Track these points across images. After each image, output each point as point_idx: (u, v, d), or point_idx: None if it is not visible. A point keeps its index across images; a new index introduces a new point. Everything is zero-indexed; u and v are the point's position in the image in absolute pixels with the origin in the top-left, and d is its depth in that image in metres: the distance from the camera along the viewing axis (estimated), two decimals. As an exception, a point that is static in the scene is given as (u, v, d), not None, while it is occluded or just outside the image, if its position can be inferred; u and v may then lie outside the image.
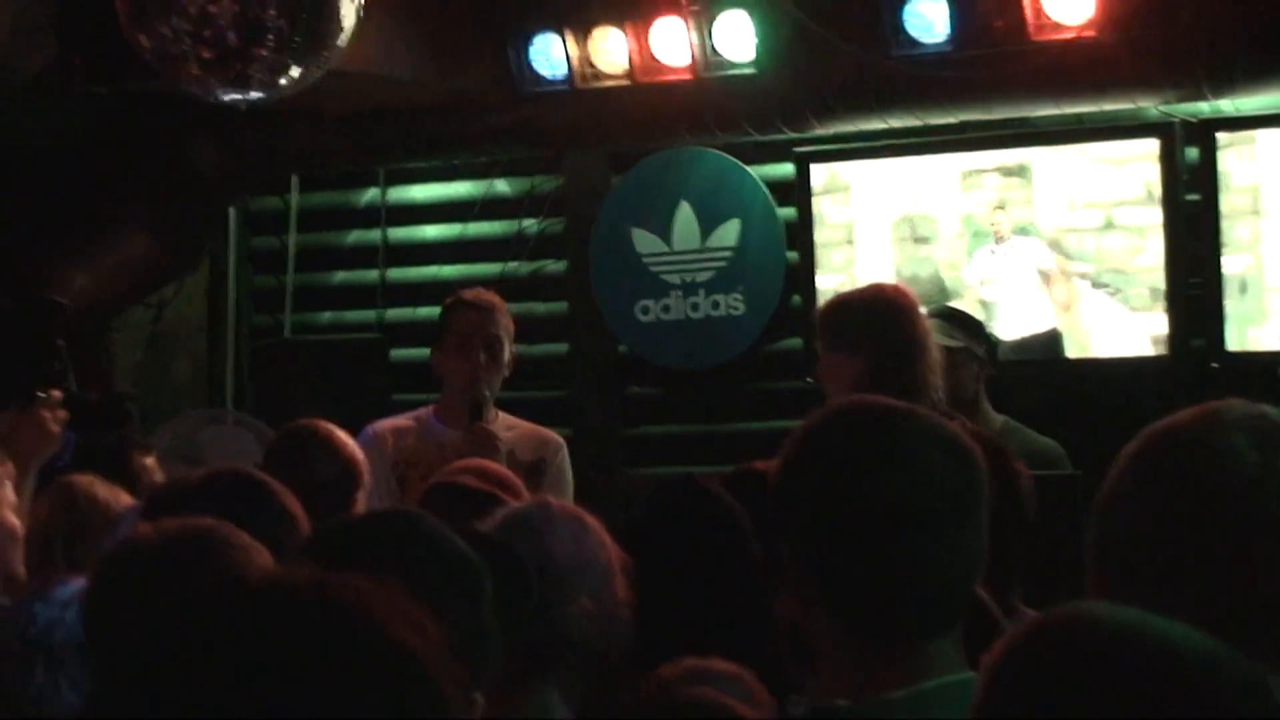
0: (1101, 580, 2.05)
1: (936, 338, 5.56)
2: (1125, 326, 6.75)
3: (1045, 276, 6.84)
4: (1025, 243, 6.88)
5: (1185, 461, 2.04)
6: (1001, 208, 6.91)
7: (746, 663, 2.93)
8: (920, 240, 7.09)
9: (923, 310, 4.94)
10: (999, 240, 6.92)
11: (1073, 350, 6.85)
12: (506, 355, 5.68)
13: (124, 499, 4.39)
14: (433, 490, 4.05)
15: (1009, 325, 6.84)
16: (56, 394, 5.31)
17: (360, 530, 2.31)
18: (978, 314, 6.36)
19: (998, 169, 6.97)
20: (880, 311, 4.79)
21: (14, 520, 4.41)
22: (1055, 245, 6.84)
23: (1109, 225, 6.80)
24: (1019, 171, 6.94)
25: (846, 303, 5.00)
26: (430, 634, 1.38)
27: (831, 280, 7.08)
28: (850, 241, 7.17)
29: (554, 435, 5.77)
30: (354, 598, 1.38)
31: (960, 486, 2.26)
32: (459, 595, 2.13)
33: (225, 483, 3.34)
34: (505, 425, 5.62)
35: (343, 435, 4.66)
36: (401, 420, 5.76)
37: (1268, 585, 1.95)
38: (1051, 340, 6.87)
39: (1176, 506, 2.02)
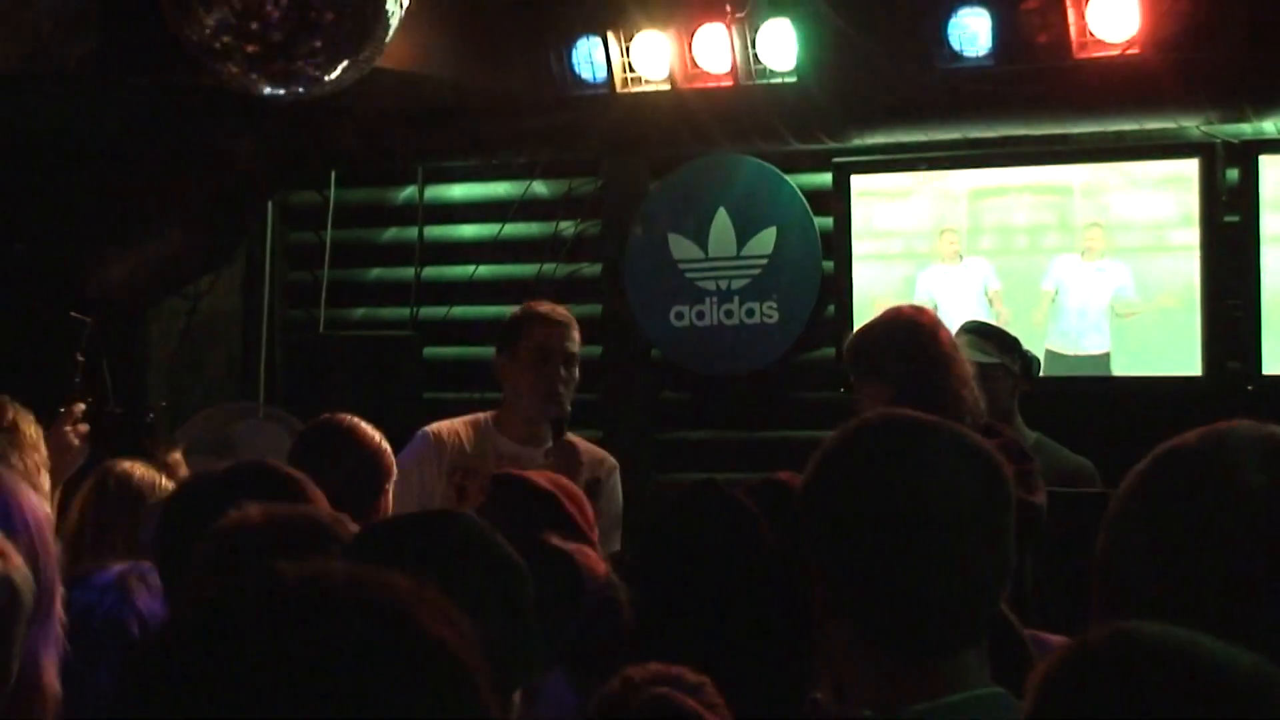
0: (1107, 598, 2.06)
1: (969, 353, 5.57)
2: (1163, 346, 6.75)
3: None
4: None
5: (1192, 481, 2.03)
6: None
7: (764, 665, 2.94)
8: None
9: (945, 326, 4.94)
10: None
11: (1119, 370, 6.84)
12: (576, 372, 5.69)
13: (164, 483, 4.43)
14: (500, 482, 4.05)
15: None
16: (79, 407, 5.34)
17: (403, 530, 2.32)
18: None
19: (1031, 187, 6.99)
20: (900, 335, 4.80)
21: (49, 509, 4.45)
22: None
23: (1148, 245, 6.80)
24: (1061, 189, 6.95)
25: (866, 332, 5.00)
26: (467, 632, 1.39)
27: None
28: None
29: (609, 456, 5.74)
30: (390, 594, 1.37)
31: (985, 499, 2.27)
32: (499, 597, 2.14)
33: (251, 475, 3.36)
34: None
35: (369, 429, 4.66)
36: (459, 425, 5.72)
37: (1270, 610, 1.95)
38: (1103, 361, 6.86)
39: (1182, 526, 2.01)
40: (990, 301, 6.93)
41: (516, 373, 5.66)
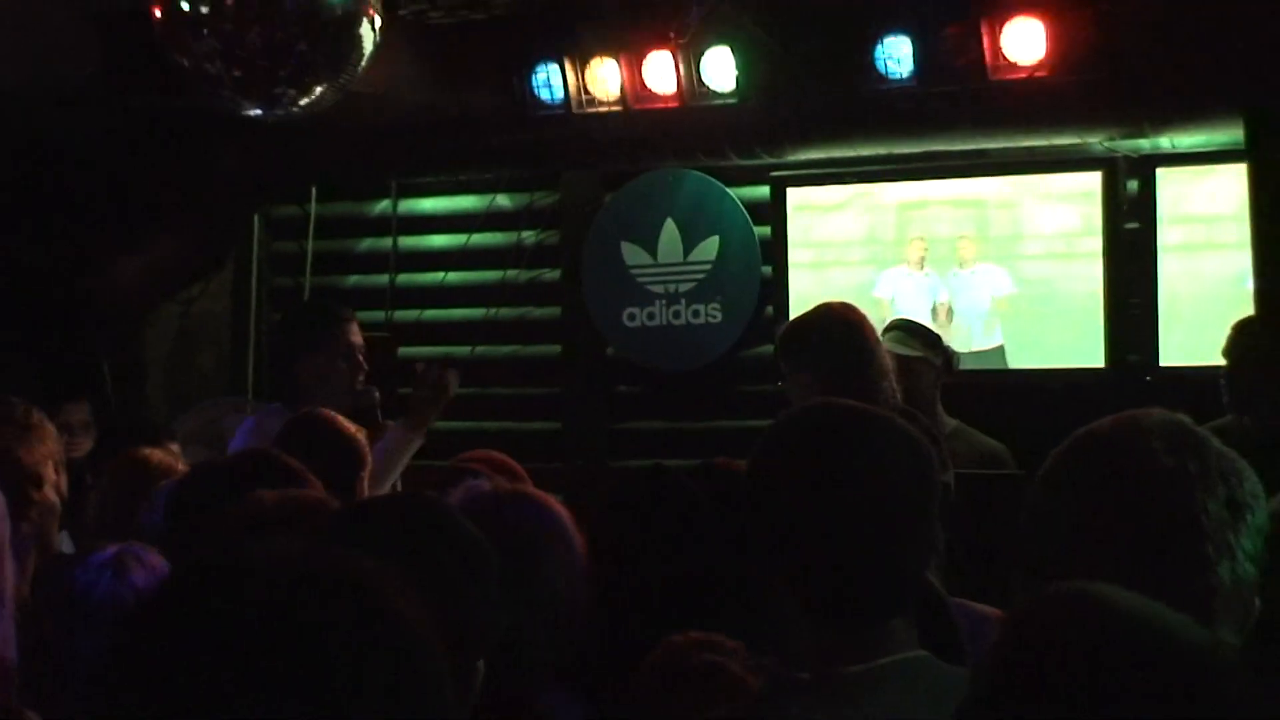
0: (1030, 566, 2.07)
1: (897, 348, 5.58)
2: (1070, 341, 6.77)
3: (1000, 301, 6.86)
4: (987, 269, 6.89)
5: (1107, 461, 2.06)
6: (966, 237, 6.92)
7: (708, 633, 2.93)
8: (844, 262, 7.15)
9: (869, 323, 4.92)
10: (963, 266, 6.93)
11: (1021, 363, 6.86)
12: None
13: (180, 468, 4.42)
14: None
15: (963, 339, 6.85)
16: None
17: (378, 512, 2.31)
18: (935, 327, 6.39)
19: (951, 201, 6.99)
20: (827, 329, 4.80)
21: (53, 498, 4.43)
22: (1009, 266, 6.88)
23: (1057, 251, 6.82)
24: (978, 203, 6.96)
25: (797, 325, 5.00)
26: (418, 603, 1.39)
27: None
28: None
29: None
30: (349, 568, 1.39)
31: (916, 481, 2.27)
32: (467, 573, 2.13)
33: (256, 463, 3.38)
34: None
35: (345, 422, 4.65)
36: (267, 419, 5.54)
37: (1179, 574, 1.96)
38: (998, 355, 6.89)
39: (1098, 501, 2.04)
40: (935, 310, 6.92)
41: (330, 367, 5.63)
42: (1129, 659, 1.52)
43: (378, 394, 5.68)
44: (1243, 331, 5.60)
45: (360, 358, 5.65)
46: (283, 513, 2.93)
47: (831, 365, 4.64)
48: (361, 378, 5.65)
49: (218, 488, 3.24)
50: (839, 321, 4.84)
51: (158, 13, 4.65)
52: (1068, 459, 2.10)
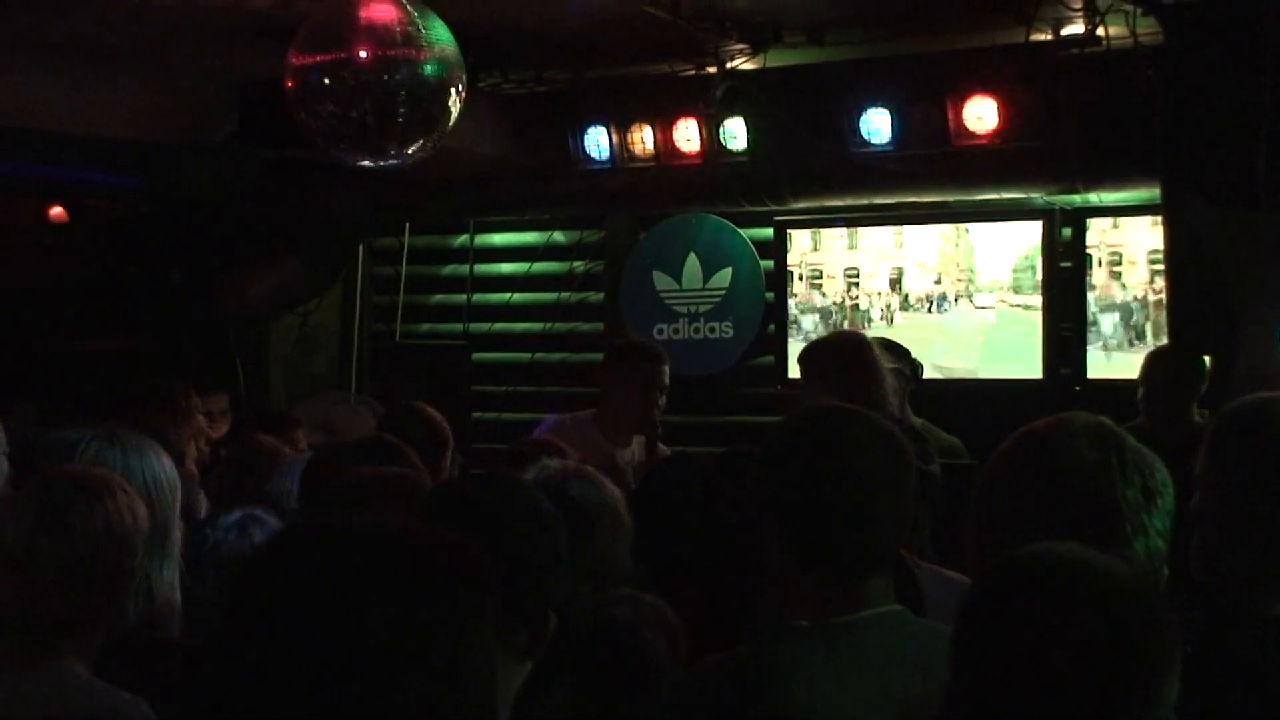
0: (980, 541, 2.07)
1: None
2: (1014, 356, 6.75)
3: (977, 329, 6.83)
4: (964, 304, 6.86)
5: (1041, 456, 2.06)
6: (938, 282, 6.90)
7: (720, 588, 2.93)
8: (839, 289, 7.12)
9: (875, 349, 4.82)
10: (943, 299, 6.90)
11: (981, 374, 6.84)
12: None
13: (287, 451, 4.44)
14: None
15: (946, 356, 6.83)
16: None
17: (467, 489, 2.30)
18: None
19: (920, 242, 6.97)
20: (840, 350, 4.75)
21: (193, 469, 4.44)
22: (966, 297, 6.86)
23: (1004, 285, 6.80)
24: (940, 244, 6.95)
25: (816, 345, 4.95)
26: (487, 561, 1.39)
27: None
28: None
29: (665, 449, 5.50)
30: (424, 534, 1.40)
31: (893, 468, 2.27)
32: (542, 539, 2.10)
33: (373, 444, 3.42)
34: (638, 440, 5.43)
35: (433, 411, 4.62)
36: (570, 420, 5.47)
37: (1102, 547, 1.96)
38: (971, 368, 6.86)
39: (1034, 488, 2.04)
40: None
41: (627, 395, 5.34)
42: (1071, 586, 1.58)
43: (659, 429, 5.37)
44: (1154, 364, 5.56)
45: (656, 394, 5.31)
46: (374, 488, 2.96)
47: (840, 381, 4.58)
48: (655, 410, 5.32)
49: (344, 463, 3.28)
50: (850, 345, 4.81)
51: (289, 83, 4.67)
52: (1010, 453, 2.09)
